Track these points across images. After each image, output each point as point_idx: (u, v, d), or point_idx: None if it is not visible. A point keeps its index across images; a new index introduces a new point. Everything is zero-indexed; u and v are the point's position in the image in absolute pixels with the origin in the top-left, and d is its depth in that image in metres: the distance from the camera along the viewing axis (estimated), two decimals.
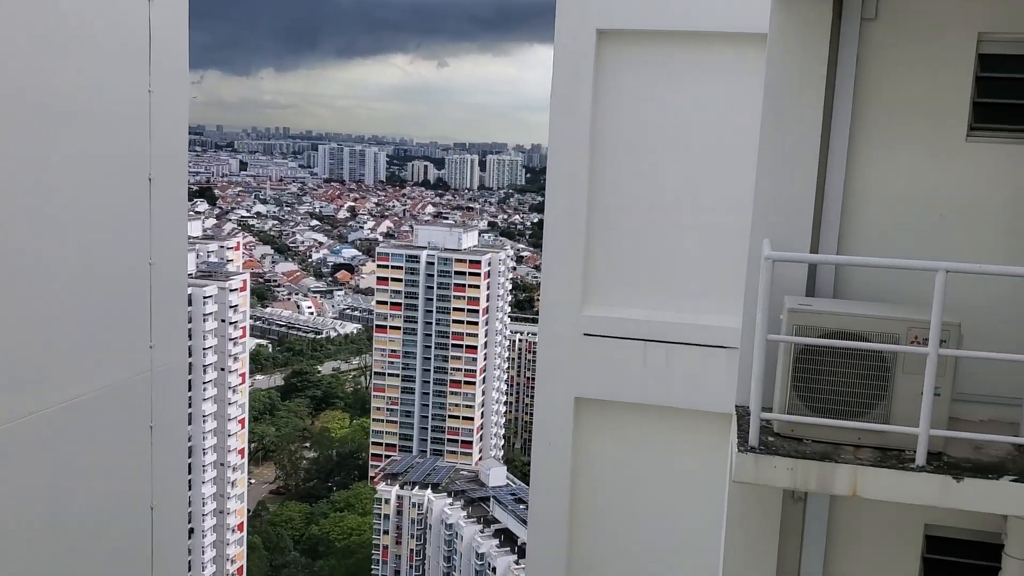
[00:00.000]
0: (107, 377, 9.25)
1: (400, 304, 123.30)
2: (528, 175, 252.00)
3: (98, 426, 9.21)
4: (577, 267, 9.07)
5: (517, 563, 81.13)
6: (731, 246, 8.42)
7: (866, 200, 6.05)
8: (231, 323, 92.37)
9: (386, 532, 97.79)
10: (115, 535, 9.71)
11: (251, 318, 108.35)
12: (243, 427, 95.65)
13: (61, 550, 8.85)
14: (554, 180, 9.09)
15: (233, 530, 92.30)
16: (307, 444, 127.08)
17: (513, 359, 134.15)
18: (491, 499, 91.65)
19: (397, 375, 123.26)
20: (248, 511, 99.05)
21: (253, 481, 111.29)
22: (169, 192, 10.03)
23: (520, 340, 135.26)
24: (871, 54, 5.98)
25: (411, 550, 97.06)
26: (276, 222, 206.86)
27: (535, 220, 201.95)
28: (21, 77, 8.00)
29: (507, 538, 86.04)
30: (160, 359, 9.97)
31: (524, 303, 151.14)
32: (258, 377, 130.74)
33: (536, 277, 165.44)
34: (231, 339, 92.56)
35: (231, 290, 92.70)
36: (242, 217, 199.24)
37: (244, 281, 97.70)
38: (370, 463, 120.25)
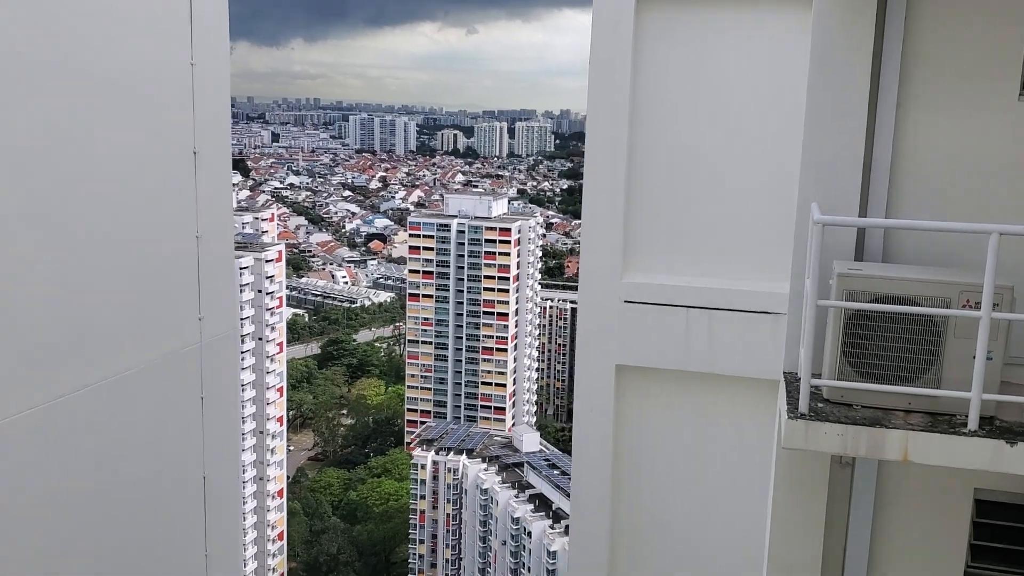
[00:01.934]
0: (157, 349, 9.41)
1: (432, 273, 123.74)
2: (557, 141, 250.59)
3: (149, 398, 9.37)
4: (617, 233, 9.01)
5: (552, 527, 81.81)
6: (773, 211, 8.34)
7: (915, 162, 5.97)
8: (268, 293, 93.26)
9: (423, 497, 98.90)
10: (168, 506, 9.90)
11: (287, 288, 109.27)
12: (281, 395, 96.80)
13: (115, 521, 9.03)
14: (593, 146, 9.03)
15: (273, 496, 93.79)
16: (344, 411, 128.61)
17: (544, 326, 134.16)
18: (525, 465, 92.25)
19: (430, 343, 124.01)
20: (288, 478, 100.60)
21: (292, 448, 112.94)
22: (213, 165, 10.12)
23: (551, 307, 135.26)
24: (919, 13, 5.87)
25: (447, 515, 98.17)
26: (309, 193, 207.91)
27: (564, 187, 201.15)
28: (66, 53, 8.07)
29: (542, 503, 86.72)
30: (209, 330, 10.13)
31: (554, 270, 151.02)
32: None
33: (565, 244, 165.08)
34: (268, 309, 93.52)
35: (267, 261, 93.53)
36: (275, 188, 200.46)
37: (279, 252, 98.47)
38: (406, 429, 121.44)
